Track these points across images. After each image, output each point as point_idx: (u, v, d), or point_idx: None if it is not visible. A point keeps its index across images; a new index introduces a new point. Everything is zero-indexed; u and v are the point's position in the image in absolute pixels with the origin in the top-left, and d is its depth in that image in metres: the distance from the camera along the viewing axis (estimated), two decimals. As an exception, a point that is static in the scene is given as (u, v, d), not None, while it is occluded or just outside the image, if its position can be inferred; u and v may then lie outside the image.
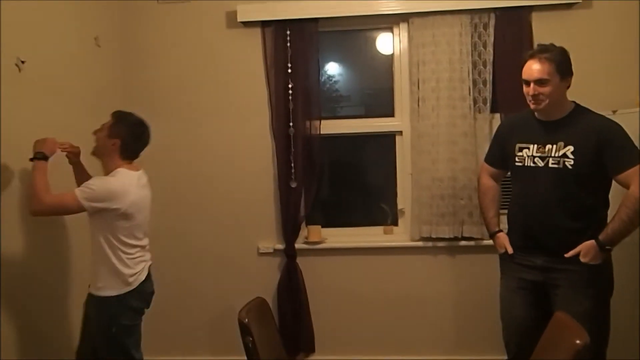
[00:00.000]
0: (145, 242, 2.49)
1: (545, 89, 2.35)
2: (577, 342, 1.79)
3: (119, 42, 3.47)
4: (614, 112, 2.74)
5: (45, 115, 2.70)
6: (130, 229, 2.36)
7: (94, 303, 2.37)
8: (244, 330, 2.04)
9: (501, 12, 3.22)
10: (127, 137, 2.40)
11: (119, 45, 3.48)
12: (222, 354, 3.47)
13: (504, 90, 3.24)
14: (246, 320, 2.04)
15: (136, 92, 3.50)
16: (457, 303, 3.44)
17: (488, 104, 3.29)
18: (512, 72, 3.18)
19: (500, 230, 2.65)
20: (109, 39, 3.37)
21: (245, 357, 2.09)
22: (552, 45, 2.41)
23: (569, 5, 3.22)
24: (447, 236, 3.32)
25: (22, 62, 2.50)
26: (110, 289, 2.33)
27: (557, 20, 3.23)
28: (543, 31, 3.21)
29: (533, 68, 2.38)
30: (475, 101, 3.28)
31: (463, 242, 3.34)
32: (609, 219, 2.40)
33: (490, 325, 3.34)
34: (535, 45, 3.16)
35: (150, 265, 2.52)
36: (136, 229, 2.39)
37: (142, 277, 2.42)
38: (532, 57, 2.41)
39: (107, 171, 2.39)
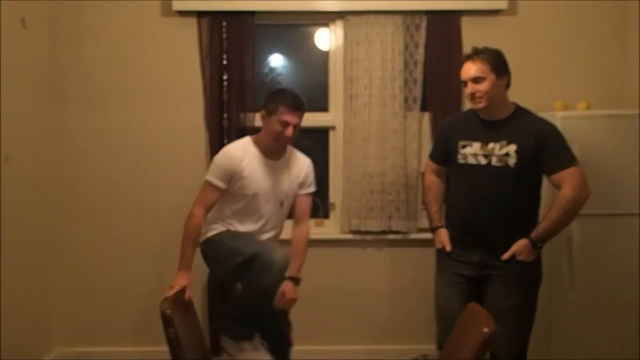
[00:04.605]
0: None
1: (482, 87, 2.42)
2: (485, 330, 1.89)
3: (47, 25, 3.35)
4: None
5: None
6: None
7: None
8: (167, 321, 2.05)
9: (432, 15, 3.32)
10: None
11: (48, 28, 3.35)
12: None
13: (434, 89, 3.36)
14: (168, 311, 2.05)
15: (65, 76, 3.40)
16: (385, 293, 3.54)
17: (418, 103, 3.39)
18: (442, 72, 3.35)
19: (442, 226, 2.69)
20: (37, 21, 3.24)
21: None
22: (486, 47, 2.49)
23: (495, 12, 3.37)
24: (375, 229, 3.41)
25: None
26: None
27: (485, 25, 3.36)
28: (471, 35, 3.32)
29: (468, 68, 2.46)
30: (405, 100, 3.37)
31: (390, 236, 3.45)
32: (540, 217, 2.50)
33: (416, 315, 3.50)
34: (464, 48, 3.34)
35: None
36: None
37: None
38: (467, 59, 2.49)
39: None
